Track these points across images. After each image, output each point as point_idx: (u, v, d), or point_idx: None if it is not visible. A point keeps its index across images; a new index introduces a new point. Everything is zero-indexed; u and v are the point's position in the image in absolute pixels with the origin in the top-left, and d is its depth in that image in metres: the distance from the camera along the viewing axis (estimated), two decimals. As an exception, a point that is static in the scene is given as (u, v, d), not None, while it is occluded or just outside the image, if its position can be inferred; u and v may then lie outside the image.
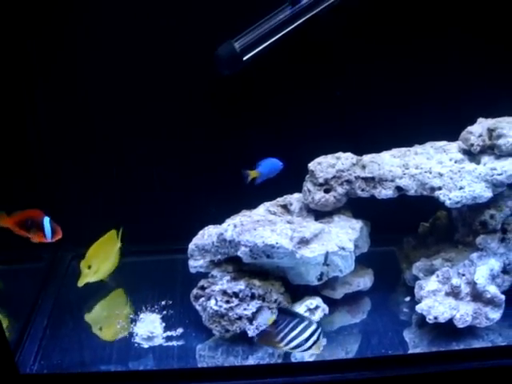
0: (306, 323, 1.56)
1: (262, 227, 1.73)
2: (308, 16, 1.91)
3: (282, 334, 1.55)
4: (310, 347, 1.55)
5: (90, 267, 1.84)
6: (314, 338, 1.56)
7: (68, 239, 1.92)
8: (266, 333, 1.59)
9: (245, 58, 1.89)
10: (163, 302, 1.92)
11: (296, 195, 1.94)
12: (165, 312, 1.88)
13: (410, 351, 1.72)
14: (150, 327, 1.81)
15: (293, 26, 1.92)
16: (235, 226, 1.75)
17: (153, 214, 2.15)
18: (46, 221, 1.66)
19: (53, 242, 1.72)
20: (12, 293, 1.89)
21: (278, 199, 1.94)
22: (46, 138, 2.09)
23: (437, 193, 1.79)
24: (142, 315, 1.87)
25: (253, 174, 1.88)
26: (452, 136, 1.91)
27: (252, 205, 1.97)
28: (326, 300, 1.83)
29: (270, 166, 1.90)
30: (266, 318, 1.58)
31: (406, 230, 2.04)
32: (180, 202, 2.15)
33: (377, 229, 1.94)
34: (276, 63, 1.97)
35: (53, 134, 2.10)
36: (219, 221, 1.88)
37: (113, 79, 2.04)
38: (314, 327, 1.56)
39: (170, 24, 1.98)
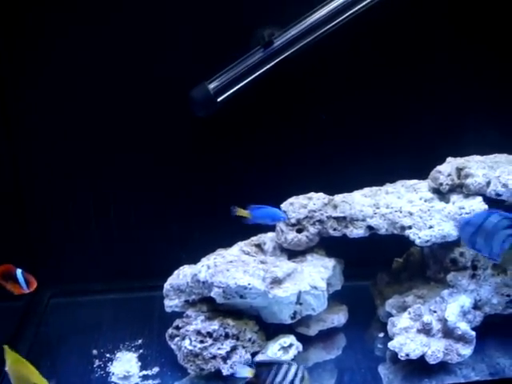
0: (286, 366, 1.57)
1: (234, 268, 1.74)
2: (280, 58, 1.95)
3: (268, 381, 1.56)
4: None
5: None
6: (299, 376, 1.57)
7: (46, 278, 1.92)
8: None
9: (219, 100, 1.92)
10: (140, 341, 1.92)
11: (270, 234, 1.95)
12: (141, 351, 1.88)
13: (383, 388, 1.74)
14: (126, 366, 1.81)
15: (266, 67, 1.96)
16: (208, 268, 1.76)
17: (130, 250, 2.17)
18: (19, 273, 1.67)
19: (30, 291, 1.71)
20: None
21: (253, 238, 1.96)
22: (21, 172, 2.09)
23: (407, 232, 1.81)
24: (118, 354, 1.87)
25: (241, 212, 1.82)
26: (424, 173, 1.94)
27: (232, 238, 1.97)
28: (301, 337, 1.84)
29: (266, 213, 1.84)
30: (245, 371, 1.56)
31: (381, 264, 2.06)
32: (158, 237, 2.16)
33: (351, 263, 1.95)
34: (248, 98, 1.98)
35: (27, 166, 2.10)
36: (198, 255, 1.89)
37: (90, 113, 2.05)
38: (294, 367, 1.57)
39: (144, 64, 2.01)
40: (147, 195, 2.14)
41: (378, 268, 2.05)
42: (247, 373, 1.56)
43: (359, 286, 2.07)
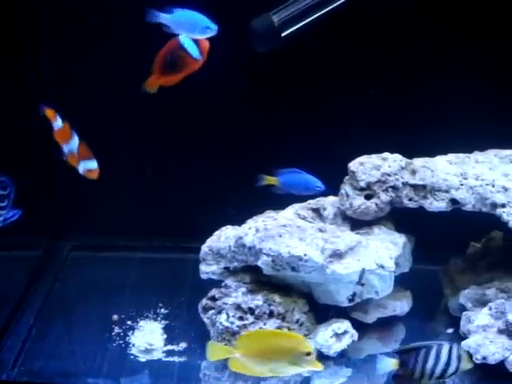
0: (436, 348, 1.46)
1: (288, 234, 1.58)
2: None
3: (417, 372, 1.46)
4: (456, 369, 1.47)
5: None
6: (455, 355, 1.46)
7: (68, 228, 1.85)
8: (399, 377, 1.49)
9: (283, 34, 1.67)
10: (167, 310, 1.78)
11: (330, 198, 1.76)
12: (168, 321, 1.75)
13: (448, 393, 1.59)
14: (149, 338, 1.67)
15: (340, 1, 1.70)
16: (257, 230, 1.59)
17: (163, 205, 2.01)
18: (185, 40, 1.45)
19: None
20: (-2, 283, 1.80)
21: (310, 201, 1.76)
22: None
23: (499, 210, 1.61)
24: (141, 322, 1.74)
25: (269, 180, 1.71)
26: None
27: (277, 206, 1.79)
28: (355, 323, 1.67)
29: (299, 180, 1.71)
30: (388, 364, 1.47)
31: (454, 247, 1.85)
32: (196, 195, 2.00)
33: (418, 244, 1.77)
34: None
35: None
36: (239, 220, 1.74)
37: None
38: (447, 347, 1.46)
39: None
40: (185, 149, 1.99)
41: (450, 251, 1.85)
42: (392, 365, 1.47)
43: (426, 271, 1.87)
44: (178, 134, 1.97)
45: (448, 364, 1.45)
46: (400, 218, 1.74)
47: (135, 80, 1.53)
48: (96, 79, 1.92)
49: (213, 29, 1.50)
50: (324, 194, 1.76)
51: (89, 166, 1.47)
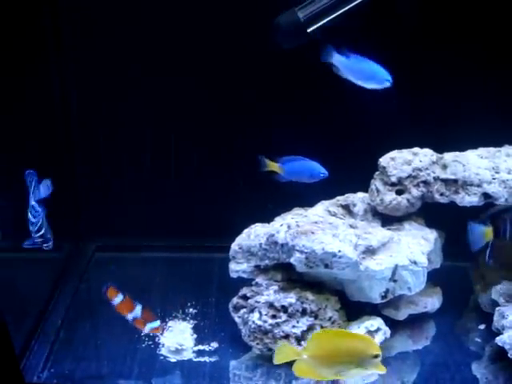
0: None
1: (321, 230, 1.55)
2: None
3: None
4: None
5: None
6: None
7: (91, 229, 1.83)
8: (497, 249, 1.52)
9: (309, 30, 1.65)
10: (196, 309, 1.77)
11: (360, 194, 1.75)
12: (197, 321, 1.73)
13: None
14: (179, 338, 1.65)
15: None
16: (289, 227, 1.57)
17: (188, 204, 1.99)
18: None
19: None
20: (24, 285, 1.77)
21: (339, 198, 1.75)
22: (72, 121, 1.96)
23: None
24: (170, 323, 1.71)
25: (272, 166, 1.66)
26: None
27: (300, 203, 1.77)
28: (387, 320, 1.65)
29: (303, 168, 1.66)
30: (483, 233, 1.51)
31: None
32: (223, 194, 1.98)
33: (448, 239, 1.76)
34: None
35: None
36: (265, 219, 1.71)
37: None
38: None
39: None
40: (208, 147, 1.98)
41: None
42: (486, 234, 1.49)
43: (457, 266, 1.85)
44: (196, 136, 1.95)
45: None
46: (430, 213, 1.72)
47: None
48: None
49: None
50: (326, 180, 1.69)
51: (153, 326, 1.55)
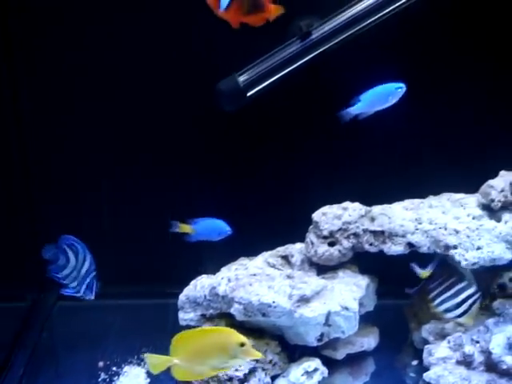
0: (463, 284, 1.47)
1: (258, 282, 1.64)
2: (318, 51, 1.77)
3: (434, 293, 1.48)
4: (460, 315, 1.47)
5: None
6: (468, 304, 1.47)
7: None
8: (420, 288, 1.52)
9: (249, 94, 1.76)
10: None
11: (298, 245, 1.82)
12: None
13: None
14: (133, 383, 1.71)
15: (302, 60, 1.79)
16: (229, 280, 1.66)
17: (144, 253, 2.05)
18: None
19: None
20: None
21: (279, 249, 1.82)
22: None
23: (452, 252, 1.68)
24: (125, 368, 1.77)
25: (183, 228, 1.73)
26: (471, 188, 1.78)
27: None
28: (327, 360, 1.73)
29: (212, 227, 1.74)
30: (420, 271, 1.54)
31: (417, 283, 1.83)
32: (175, 242, 1.95)
33: (384, 280, 1.83)
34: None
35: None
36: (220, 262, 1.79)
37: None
38: (471, 291, 1.46)
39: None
40: (165, 194, 2.03)
41: (412, 286, 1.84)
42: (422, 274, 1.53)
43: (392, 305, 1.92)
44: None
45: (458, 306, 1.44)
46: (362, 259, 1.80)
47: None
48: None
49: None
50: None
51: None
